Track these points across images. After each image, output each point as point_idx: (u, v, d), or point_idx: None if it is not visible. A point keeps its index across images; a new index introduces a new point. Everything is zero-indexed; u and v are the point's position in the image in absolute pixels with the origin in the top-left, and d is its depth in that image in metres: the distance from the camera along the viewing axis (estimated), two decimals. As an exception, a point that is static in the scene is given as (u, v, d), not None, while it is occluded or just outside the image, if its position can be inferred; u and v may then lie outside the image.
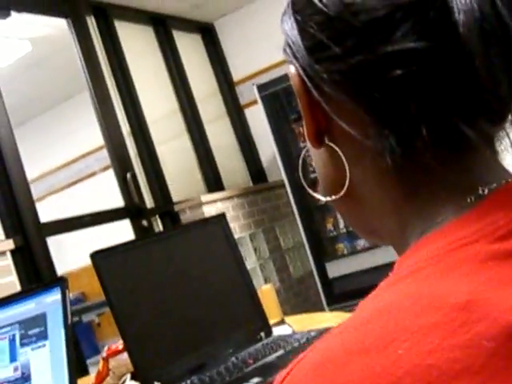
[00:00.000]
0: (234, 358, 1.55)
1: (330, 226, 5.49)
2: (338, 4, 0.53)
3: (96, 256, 1.52)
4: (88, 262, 1.57)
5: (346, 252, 5.40)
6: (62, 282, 1.62)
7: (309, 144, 0.62)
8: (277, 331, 1.77)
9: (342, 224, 5.45)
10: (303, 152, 0.68)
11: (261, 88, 5.34)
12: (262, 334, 1.71)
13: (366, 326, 0.48)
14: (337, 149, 0.59)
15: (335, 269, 5.25)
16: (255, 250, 5.27)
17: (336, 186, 0.61)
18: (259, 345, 1.63)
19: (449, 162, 0.54)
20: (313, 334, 1.56)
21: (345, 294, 5.17)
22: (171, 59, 5.56)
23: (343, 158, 0.58)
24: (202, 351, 1.60)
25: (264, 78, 5.59)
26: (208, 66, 6.17)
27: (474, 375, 0.43)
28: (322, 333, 1.55)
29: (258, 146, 6.17)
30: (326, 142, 0.60)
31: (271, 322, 1.84)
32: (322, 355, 0.49)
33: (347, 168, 0.58)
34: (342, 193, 0.60)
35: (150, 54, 5.46)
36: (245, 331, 1.70)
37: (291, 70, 0.61)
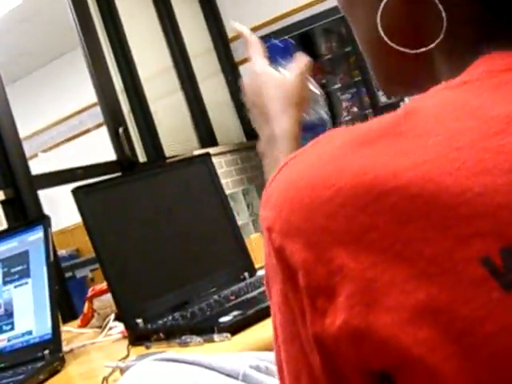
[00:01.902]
0: (216, 296, 1.55)
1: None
2: None
3: (78, 191, 1.51)
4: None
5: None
6: (44, 221, 1.61)
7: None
8: (261, 272, 1.77)
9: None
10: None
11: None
12: (246, 273, 1.71)
13: (399, 119, 0.48)
14: None
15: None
16: (248, 205, 5.26)
17: (420, 38, 0.58)
18: (242, 284, 1.63)
19: None
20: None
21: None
22: (165, 15, 5.49)
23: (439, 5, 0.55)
24: (185, 289, 1.60)
25: (258, 34, 5.53)
26: (203, 22, 6.10)
27: (501, 175, 0.43)
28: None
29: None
30: None
31: (257, 266, 1.84)
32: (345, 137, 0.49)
33: (444, 15, 0.55)
34: (435, 43, 0.57)
35: (144, 9, 5.39)
36: (228, 271, 1.70)
37: None
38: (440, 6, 0.54)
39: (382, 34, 0.59)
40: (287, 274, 0.47)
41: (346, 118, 5.36)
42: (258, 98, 1.01)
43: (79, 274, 5.49)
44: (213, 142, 5.50)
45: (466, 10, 0.54)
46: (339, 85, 5.34)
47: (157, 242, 1.60)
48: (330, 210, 0.45)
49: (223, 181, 4.66)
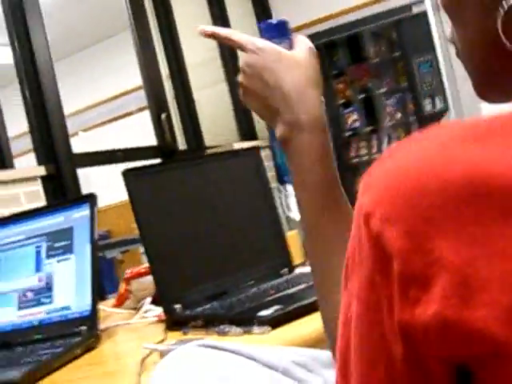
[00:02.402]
0: (255, 289, 1.56)
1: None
2: None
3: (128, 173, 1.52)
4: (115, 199, 1.57)
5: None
6: (91, 199, 1.63)
7: None
8: (299, 270, 1.77)
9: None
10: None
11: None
12: (285, 269, 1.71)
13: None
14: None
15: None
16: (280, 202, 5.25)
17: None
18: (281, 279, 1.63)
19: None
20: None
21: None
22: (216, 5, 5.50)
23: None
24: (224, 280, 1.61)
25: (307, 32, 5.53)
26: (252, 16, 6.10)
27: None
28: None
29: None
30: None
31: (294, 263, 1.84)
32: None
33: None
34: None
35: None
36: (268, 265, 1.70)
37: None
38: None
39: (504, 39, 0.57)
40: (380, 261, 0.47)
41: (389, 124, 5.32)
42: (269, 79, 0.88)
43: (109, 254, 5.52)
44: (253, 135, 5.50)
45: None
46: (385, 89, 5.31)
47: (200, 230, 1.61)
48: (436, 200, 0.45)
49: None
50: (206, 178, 1.66)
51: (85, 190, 3.94)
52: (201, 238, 1.61)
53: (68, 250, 1.60)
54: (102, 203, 5.84)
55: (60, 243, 1.62)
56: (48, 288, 1.59)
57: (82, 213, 1.62)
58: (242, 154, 1.77)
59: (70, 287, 1.57)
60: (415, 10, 4.90)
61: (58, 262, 1.61)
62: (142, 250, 5.82)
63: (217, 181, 1.67)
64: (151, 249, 1.54)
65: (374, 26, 5.11)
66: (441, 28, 4.89)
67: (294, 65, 0.88)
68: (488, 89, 0.67)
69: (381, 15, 5.05)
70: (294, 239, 2.46)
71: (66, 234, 1.62)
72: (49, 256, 1.62)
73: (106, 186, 6.37)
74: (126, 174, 1.52)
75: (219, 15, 5.50)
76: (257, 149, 1.75)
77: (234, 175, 1.70)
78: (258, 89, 0.89)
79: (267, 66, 0.88)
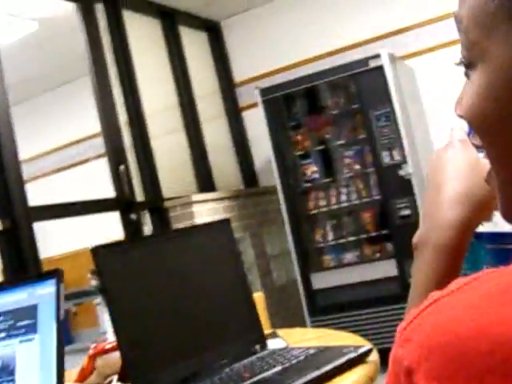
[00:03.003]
0: (228, 370, 1.50)
1: (318, 237, 5.46)
2: None
3: (98, 251, 1.46)
4: (70, 249, 1.52)
5: (332, 264, 5.36)
6: (57, 274, 1.56)
7: None
8: (270, 344, 1.72)
9: (330, 236, 5.42)
10: None
11: (263, 92, 5.31)
12: (257, 346, 1.66)
13: None
14: None
15: (320, 280, 5.22)
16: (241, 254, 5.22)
17: None
18: (254, 358, 1.58)
19: None
20: (312, 351, 1.51)
21: (328, 306, 5.14)
22: (175, 54, 5.51)
23: None
24: (196, 360, 1.55)
25: (265, 83, 5.57)
26: (211, 65, 6.13)
27: None
28: (321, 351, 1.50)
29: (252, 150, 6.13)
30: None
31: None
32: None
33: None
34: None
35: (156, 46, 5.41)
36: (240, 342, 1.65)
37: None
38: None
39: None
40: None
41: (347, 175, 5.35)
42: (437, 175, 0.83)
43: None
44: (211, 186, 5.47)
45: None
46: (343, 141, 5.34)
47: (171, 307, 1.56)
48: (487, 364, 0.43)
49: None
50: (178, 253, 1.61)
51: (39, 238, 3.82)
52: (171, 316, 1.56)
53: (32, 329, 1.52)
54: (56, 252, 5.73)
55: (23, 322, 1.54)
56: (8, 372, 1.51)
57: (48, 289, 1.55)
58: (214, 226, 1.73)
59: (34, 370, 1.49)
60: (372, 63, 4.97)
61: (21, 342, 1.53)
62: (96, 301, 5.72)
63: (187, 256, 1.63)
64: (120, 326, 1.48)
65: (332, 78, 5.16)
66: (397, 81, 4.96)
67: (473, 169, 0.81)
68: None
69: (338, 68, 5.10)
70: (258, 303, 2.41)
71: (30, 311, 1.54)
72: (10, 336, 1.54)
73: (61, 233, 6.27)
74: (96, 251, 1.46)
75: (178, 65, 5.51)
76: (227, 220, 1.71)
77: (206, 248, 1.66)
78: (430, 180, 0.85)
79: (444, 161, 0.84)
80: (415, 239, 0.86)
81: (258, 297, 2.55)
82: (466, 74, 0.61)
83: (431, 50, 5.55)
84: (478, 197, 0.79)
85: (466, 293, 0.48)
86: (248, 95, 5.87)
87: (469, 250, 0.81)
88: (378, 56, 4.95)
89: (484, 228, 0.84)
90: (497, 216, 0.79)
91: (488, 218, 0.82)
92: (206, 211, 4.78)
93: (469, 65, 0.60)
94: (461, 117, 0.61)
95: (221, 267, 1.68)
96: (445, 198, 0.81)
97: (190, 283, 1.61)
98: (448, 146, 0.85)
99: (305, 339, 1.80)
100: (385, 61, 4.93)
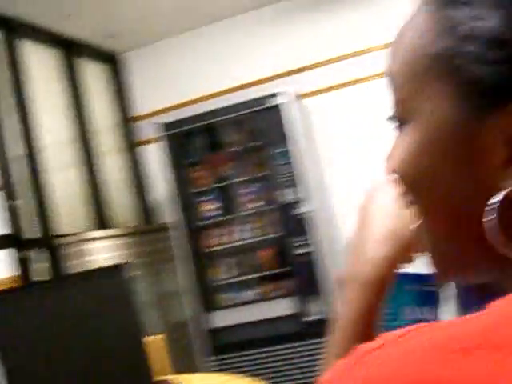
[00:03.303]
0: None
1: (217, 275, 5.40)
2: None
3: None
4: None
5: (231, 302, 5.31)
6: None
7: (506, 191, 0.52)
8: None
9: (229, 274, 5.38)
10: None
11: (163, 127, 5.25)
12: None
13: (496, 325, 0.45)
14: None
15: (219, 319, 5.16)
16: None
17: None
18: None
19: None
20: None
21: (227, 345, 5.08)
22: (74, 86, 5.38)
23: None
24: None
25: (165, 118, 5.51)
26: (110, 98, 6.02)
27: None
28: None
29: (150, 186, 6.04)
30: None
31: (162, 377, 1.72)
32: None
33: None
34: None
35: (54, 77, 5.27)
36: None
37: None
38: None
39: (489, 232, 0.52)
40: None
41: (246, 213, 5.33)
42: (365, 213, 0.84)
43: None
44: (107, 223, 5.33)
45: None
46: (242, 178, 5.33)
47: (62, 357, 1.46)
48: None
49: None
50: (70, 300, 1.52)
51: None
52: (63, 364, 1.46)
53: None
54: None
55: None
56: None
57: None
58: (106, 272, 1.65)
59: None
60: (272, 102, 5.01)
61: None
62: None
63: (80, 302, 1.54)
64: (11, 376, 1.38)
65: (232, 116, 5.16)
66: (294, 120, 5.02)
67: (395, 215, 0.81)
68: (449, 269, 0.61)
69: (238, 106, 5.12)
70: (156, 345, 2.33)
71: None
72: None
73: None
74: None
75: (77, 96, 5.38)
76: (121, 265, 1.64)
77: (98, 295, 1.58)
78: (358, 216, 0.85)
79: (370, 199, 0.84)
80: (341, 275, 0.84)
81: (159, 340, 2.47)
82: (397, 129, 0.60)
83: (327, 90, 5.65)
84: (404, 237, 0.79)
85: (396, 348, 0.46)
86: (147, 130, 5.80)
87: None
88: (274, 95, 5.00)
89: (404, 269, 0.85)
90: (419, 259, 0.80)
91: (411, 260, 0.82)
92: (101, 248, 4.65)
93: (401, 120, 0.59)
94: (392, 172, 0.61)
95: (114, 314, 1.60)
96: (372, 235, 0.81)
97: (81, 330, 1.52)
98: (378, 186, 0.85)
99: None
100: (281, 100, 4.98)
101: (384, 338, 0.48)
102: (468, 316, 0.47)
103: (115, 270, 1.64)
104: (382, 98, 5.00)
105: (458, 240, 0.56)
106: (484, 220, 0.52)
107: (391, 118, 0.60)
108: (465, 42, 0.51)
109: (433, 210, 0.58)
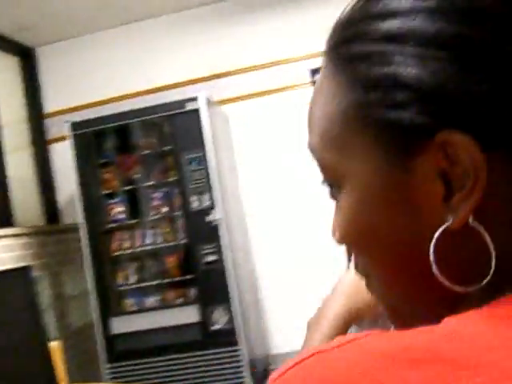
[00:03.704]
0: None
1: (120, 280, 5.29)
2: None
3: None
4: None
5: (133, 308, 5.21)
6: None
7: (446, 225, 0.51)
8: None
9: (133, 279, 5.28)
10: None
11: (74, 126, 5.11)
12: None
13: (441, 340, 0.45)
14: (483, 232, 0.50)
15: (120, 325, 5.04)
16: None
17: (466, 274, 0.51)
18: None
19: None
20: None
21: (127, 352, 4.96)
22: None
23: (489, 242, 0.50)
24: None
25: (76, 116, 5.37)
26: (21, 92, 5.82)
27: None
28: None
29: (57, 185, 5.87)
30: (471, 223, 0.50)
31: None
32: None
33: (493, 254, 0.50)
34: (487, 279, 0.50)
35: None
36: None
37: (454, 136, 0.49)
38: (490, 246, 0.50)
39: (435, 269, 0.52)
40: None
41: (154, 217, 5.25)
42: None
43: None
44: (9, 221, 5.14)
45: None
46: (152, 182, 5.25)
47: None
48: None
49: (16, 265, 4.33)
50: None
51: None
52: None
53: None
54: None
55: None
56: None
57: None
58: (13, 274, 1.56)
59: None
60: (189, 106, 4.95)
61: None
62: None
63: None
64: None
65: (146, 118, 5.08)
66: (212, 126, 4.98)
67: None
68: (400, 314, 0.61)
69: (154, 108, 5.04)
70: (54, 352, 2.24)
71: None
72: None
73: None
74: None
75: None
76: (28, 268, 1.55)
77: (3, 297, 1.49)
78: None
79: None
80: (309, 319, 0.91)
81: (55, 346, 2.37)
82: (332, 195, 0.60)
83: (246, 97, 5.65)
84: (365, 294, 0.80)
85: (349, 351, 0.46)
86: (57, 128, 5.63)
87: None
88: (195, 99, 4.95)
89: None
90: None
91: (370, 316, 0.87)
92: (1, 248, 4.47)
93: (333, 186, 0.59)
94: (340, 244, 0.61)
95: (18, 317, 1.51)
96: (337, 289, 0.90)
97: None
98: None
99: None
100: (201, 104, 4.94)
101: (341, 339, 0.48)
102: (422, 328, 0.47)
103: (21, 271, 1.56)
104: (301, 108, 5.07)
105: (413, 288, 0.56)
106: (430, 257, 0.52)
107: (323, 183, 0.60)
108: (369, 92, 0.52)
109: (383, 265, 0.57)
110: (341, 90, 0.54)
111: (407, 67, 0.50)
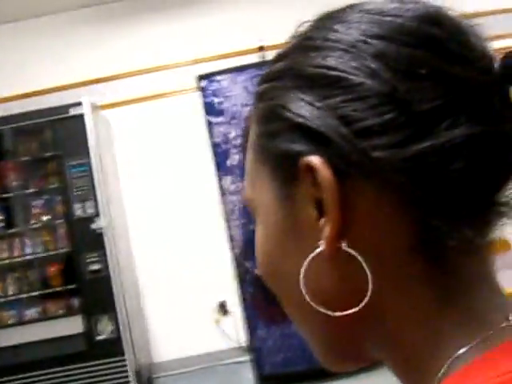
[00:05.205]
0: None
1: (-2, 291, 5.07)
2: (389, 88, 0.50)
3: None
4: None
5: (12, 321, 4.99)
6: None
7: (319, 250, 0.52)
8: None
9: (11, 290, 5.06)
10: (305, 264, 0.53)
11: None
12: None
13: None
14: (357, 255, 0.51)
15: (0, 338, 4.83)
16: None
17: (347, 299, 0.52)
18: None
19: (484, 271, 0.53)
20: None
21: (6, 367, 4.75)
22: None
23: (365, 266, 0.51)
24: None
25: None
26: None
27: None
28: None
29: None
30: (343, 247, 0.51)
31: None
32: None
33: (370, 277, 0.51)
34: (361, 305, 0.51)
35: None
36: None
37: (311, 160, 0.51)
38: (368, 273, 0.51)
39: (305, 293, 0.53)
40: None
41: (35, 226, 5.07)
42: None
43: None
44: None
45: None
46: (32, 190, 5.06)
47: None
48: None
49: None
50: None
51: None
52: None
53: None
54: None
55: None
56: None
57: None
58: None
59: None
60: (72, 111, 4.83)
61: None
62: None
63: None
64: None
65: (27, 123, 4.90)
66: (96, 132, 4.88)
67: None
68: (329, 358, 0.59)
69: (34, 113, 4.88)
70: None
71: None
72: None
73: None
74: None
75: None
76: None
77: None
78: None
79: None
80: None
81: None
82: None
83: (129, 102, 5.57)
84: None
85: None
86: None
87: None
88: (79, 104, 4.84)
89: None
90: None
91: None
92: None
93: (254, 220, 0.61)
94: (258, 273, 0.60)
95: None
96: None
97: None
98: None
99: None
100: (86, 109, 4.83)
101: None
102: None
103: None
104: (182, 114, 5.04)
105: (319, 326, 0.56)
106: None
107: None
108: (261, 124, 0.57)
109: (287, 301, 0.58)
110: (252, 125, 0.59)
111: (284, 99, 0.54)
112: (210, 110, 4.59)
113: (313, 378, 4.23)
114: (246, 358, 4.96)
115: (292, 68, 0.55)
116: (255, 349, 4.55)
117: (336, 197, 0.50)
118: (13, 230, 5.11)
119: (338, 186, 0.50)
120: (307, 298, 0.52)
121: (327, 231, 0.51)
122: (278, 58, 0.57)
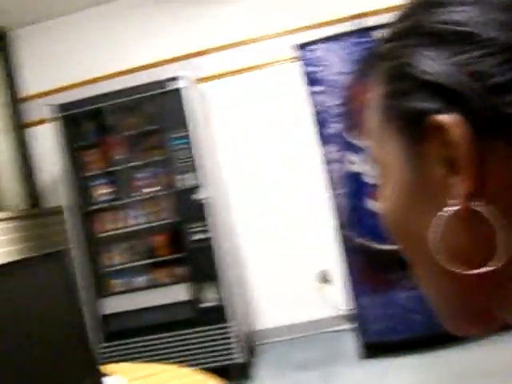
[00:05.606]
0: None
1: (107, 261, 5.28)
2: None
3: None
4: None
5: (123, 289, 5.21)
6: None
7: (453, 209, 0.52)
8: (110, 382, 1.59)
9: (120, 259, 5.27)
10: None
11: (55, 108, 5.05)
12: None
13: None
14: (491, 214, 0.50)
15: (111, 305, 5.05)
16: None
17: (480, 258, 0.51)
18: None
19: None
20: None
21: (119, 332, 4.97)
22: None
23: (498, 225, 0.50)
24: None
25: (56, 99, 5.32)
26: (2, 81, 5.73)
27: None
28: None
29: (39, 168, 5.81)
30: (477, 206, 0.51)
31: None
32: None
33: (505, 236, 0.50)
34: (499, 263, 0.50)
35: None
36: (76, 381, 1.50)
37: (443, 118, 0.50)
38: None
39: (435, 252, 0.54)
40: None
41: (139, 198, 5.23)
42: None
43: None
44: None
45: None
46: (137, 163, 5.22)
47: (4, 350, 1.38)
48: None
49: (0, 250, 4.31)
50: (9, 290, 1.43)
51: None
52: (4, 359, 1.37)
53: None
54: None
55: None
56: None
57: None
58: (49, 259, 1.56)
59: None
60: (172, 85, 4.93)
61: None
62: None
63: (21, 292, 1.45)
64: None
65: (129, 98, 5.04)
66: (194, 105, 4.97)
67: None
68: (455, 320, 0.60)
69: (136, 89, 5.01)
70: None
71: None
72: None
73: None
74: None
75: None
76: (62, 252, 1.56)
77: (39, 284, 1.49)
78: None
79: None
80: None
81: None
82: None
83: (224, 75, 5.63)
84: None
85: None
86: (37, 111, 5.57)
87: None
88: (176, 78, 4.93)
89: None
90: None
91: None
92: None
93: (380, 179, 0.62)
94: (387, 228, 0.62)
95: (55, 303, 1.52)
96: None
97: (23, 320, 1.44)
98: None
99: (144, 375, 1.69)
100: (183, 84, 4.92)
101: None
102: None
103: (55, 256, 1.56)
104: (279, 85, 5.04)
105: (445, 284, 0.57)
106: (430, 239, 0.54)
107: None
108: (389, 84, 0.57)
109: (414, 259, 0.59)
110: (375, 85, 0.59)
111: (411, 58, 0.54)
112: (308, 79, 4.60)
113: (415, 346, 4.24)
114: (348, 326, 4.99)
115: (417, 26, 0.54)
116: (358, 317, 4.58)
117: (472, 155, 0.50)
118: (123, 202, 5.29)
119: (472, 144, 0.50)
120: (438, 257, 0.53)
121: (462, 189, 0.51)
122: (402, 18, 0.57)
